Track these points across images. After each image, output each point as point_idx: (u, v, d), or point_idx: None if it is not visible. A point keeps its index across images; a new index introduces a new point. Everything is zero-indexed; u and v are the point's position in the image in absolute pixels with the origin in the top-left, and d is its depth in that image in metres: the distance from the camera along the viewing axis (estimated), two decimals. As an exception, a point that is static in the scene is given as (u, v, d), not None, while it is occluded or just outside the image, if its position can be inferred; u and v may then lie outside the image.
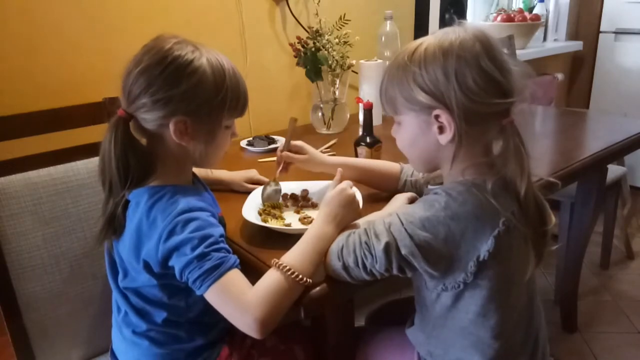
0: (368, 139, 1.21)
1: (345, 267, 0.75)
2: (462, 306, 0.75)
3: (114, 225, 0.82)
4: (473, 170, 0.74)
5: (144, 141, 0.82)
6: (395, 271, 0.73)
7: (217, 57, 0.80)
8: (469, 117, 0.70)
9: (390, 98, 0.77)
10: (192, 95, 0.77)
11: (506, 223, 0.70)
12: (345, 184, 0.87)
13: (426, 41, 0.73)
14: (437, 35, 0.73)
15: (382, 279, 0.77)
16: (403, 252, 0.70)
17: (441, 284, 0.75)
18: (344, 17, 1.60)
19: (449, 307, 0.76)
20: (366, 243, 0.73)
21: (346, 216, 0.83)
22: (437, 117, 0.72)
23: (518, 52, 2.34)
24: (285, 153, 1.04)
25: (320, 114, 1.64)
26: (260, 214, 0.98)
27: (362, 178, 1.04)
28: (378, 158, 1.22)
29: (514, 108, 0.72)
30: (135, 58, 0.78)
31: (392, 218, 0.73)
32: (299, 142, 1.06)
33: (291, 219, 0.98)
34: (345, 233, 0.78)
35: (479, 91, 0.69)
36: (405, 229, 0.70)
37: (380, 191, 1.07)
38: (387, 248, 0.71)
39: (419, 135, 0.76)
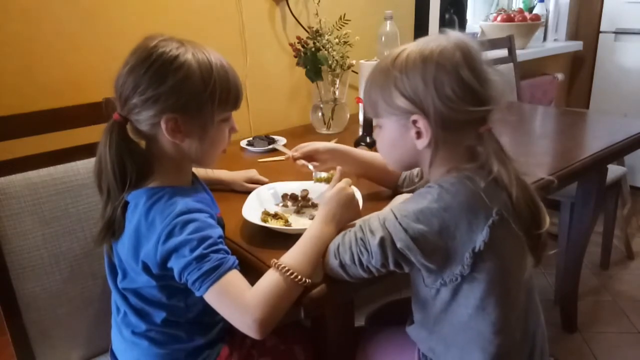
0: (368, 139, 1.21)
1: (342, 265, 0.75)
2: (462, 300, 0.75)
3: (112, 228, 0.82)
4: (455, 174, 0.75)
5: (143, 144, 0.82)
6: (392, 266, 0.73)
7: (204, 51, 0.79)
8: (445, 123, 0.72)
9: (373, 101, 0.79)
10: (179, 90, 0.76)
11: (499, 213, 0.71)
12: (344, 182, 0.86)
13: (409, 48, 0.75)
14: (419, 43, 0.75)
15: (382, 278, 0.77)
16: (399, 245, 0.71)
17: (439, 279, 0.75)
18: (344, 17, 1.60)
19: (448, 302, 0.77)
20: (361, 239, 0.74)
21: (345, 216, 0.83)
22: (414, 122, 0.74)
23: (518, 52, 2.33)
24: (295, 154, 1.05)
25: (320, 114, 1.64)
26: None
27: (363, 171, 1.05)
28: (378, 158, 1.22)
29: (492, 116, 0.74)
30: (125, 60, 0.78)
31: (386, 214, 0.74)
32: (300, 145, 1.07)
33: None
34: (342, 232, 0.79)
35: (456, 99, 0.70)
36: (400, 223, 0.71)
37: (379, 186, 1.08)
38: (382, 243, 0.71)
39: (398, 139, 0.78)
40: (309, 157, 1.05)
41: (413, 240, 0.70)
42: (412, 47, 0.74)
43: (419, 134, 0.74)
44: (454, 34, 0.74)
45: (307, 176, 1.11)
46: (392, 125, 0.78)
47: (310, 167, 1.05)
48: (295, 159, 1.05)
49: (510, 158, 0.74)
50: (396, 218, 0.72)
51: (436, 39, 0.74)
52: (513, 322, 0.78)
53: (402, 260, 0.73)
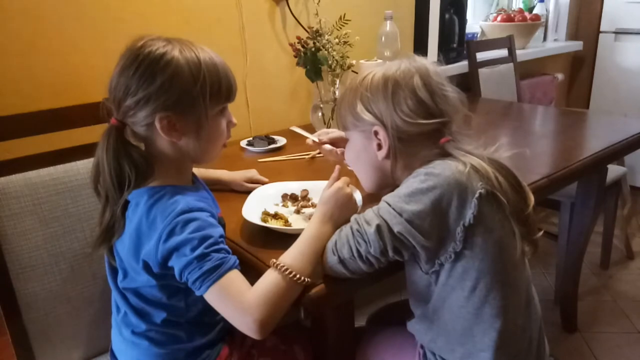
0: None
1: (342, 260, 0.76)
2: (457, 283, 0.77)
3: (112, 232, 0.82)
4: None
5: (142, 146, 0.82)
6: (391, 253, 0.74)
7: (192, 48, 0.78)
8: (401, 135, 0.80)
9: (342, 116, 0.88)
10: (169, 88, 0.76)
11: (485, 187, 0.74)
12: (342, 182, 0.86)
13: (375, 71, 0.84)
14: (384, 67, 0.84)
15: (382, 277, 0.77)
16: (396, 230, 0.72)
17: (436, 260, 0.76)
18: (344, 17, 1.60)
19: (444, 287, 0.78)
20: (358, 231, 0.75)
21: (343, 215, 0.83)
22: (376, 133, 0.82)
23: (518, 52, 2.34)
24: (322, 139, 1.08)
25: (320, 114, 1.64)
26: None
27: None
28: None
29: (449, 128, 0.81)
30: (116, 63, 0.78)
31: (380, 204, 0.77)
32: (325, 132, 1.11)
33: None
34: (338, 230, 0.80)
35: (410, 113, 0.79)
36: (393, 209, 0.74)
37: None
38: (378, 229, 0.73)
39: (362, 151, 0.87)
40: (333, 144, 1.08)
41: (409, 222, 0.72)
42: (378, 69, 0.84)
43: (379, 146, 0.83)
44: (418, 59, 0.84)
45: (308, 176, 1.11)
46: (358, 136, 0.87)
47: (340, 152, 1.05)
48: (322, 143, 1.07)
49: (480, 155, 0.78)
50: (389, 205, 0.75)
51: (399, 62, 0.83)
52: (514, 307, 0.79)
53: (400, 246, 0.74)
